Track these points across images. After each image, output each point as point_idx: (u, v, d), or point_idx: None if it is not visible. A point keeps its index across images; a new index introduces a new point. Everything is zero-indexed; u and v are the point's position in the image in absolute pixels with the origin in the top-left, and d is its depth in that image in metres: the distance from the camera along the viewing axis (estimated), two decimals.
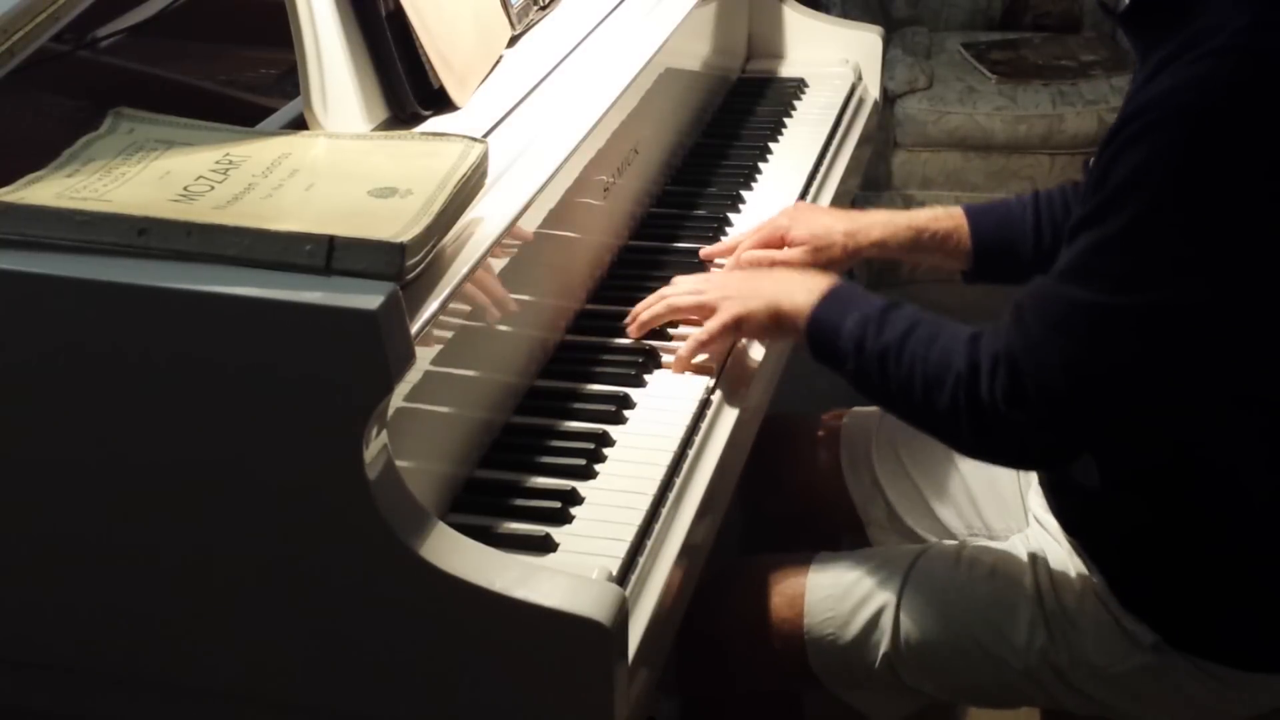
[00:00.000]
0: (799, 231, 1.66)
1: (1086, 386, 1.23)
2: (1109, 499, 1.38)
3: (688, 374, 1.48)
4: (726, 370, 1.51)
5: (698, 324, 1.50)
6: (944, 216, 1.66)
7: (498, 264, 1.33)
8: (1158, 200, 1.17)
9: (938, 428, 1.35)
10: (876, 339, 1.34)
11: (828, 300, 1.41)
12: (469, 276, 1.21)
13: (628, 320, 1.54)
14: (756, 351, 1.57)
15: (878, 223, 1.66)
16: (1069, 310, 1.23)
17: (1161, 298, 1.19)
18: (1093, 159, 1.31)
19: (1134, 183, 1.18)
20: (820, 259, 1.63)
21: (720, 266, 1.69)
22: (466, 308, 1.29)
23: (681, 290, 1.53)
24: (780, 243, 1.68)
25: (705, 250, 1.71)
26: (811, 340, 1.42)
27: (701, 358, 1.49)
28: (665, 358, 1.51)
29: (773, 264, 1.64)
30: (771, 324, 1.46)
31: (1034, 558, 1.47)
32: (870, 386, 1.38)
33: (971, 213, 1.67)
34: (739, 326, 1.48)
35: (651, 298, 1.55)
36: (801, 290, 1.44)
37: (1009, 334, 1.26)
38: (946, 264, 1.69)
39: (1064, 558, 1.45)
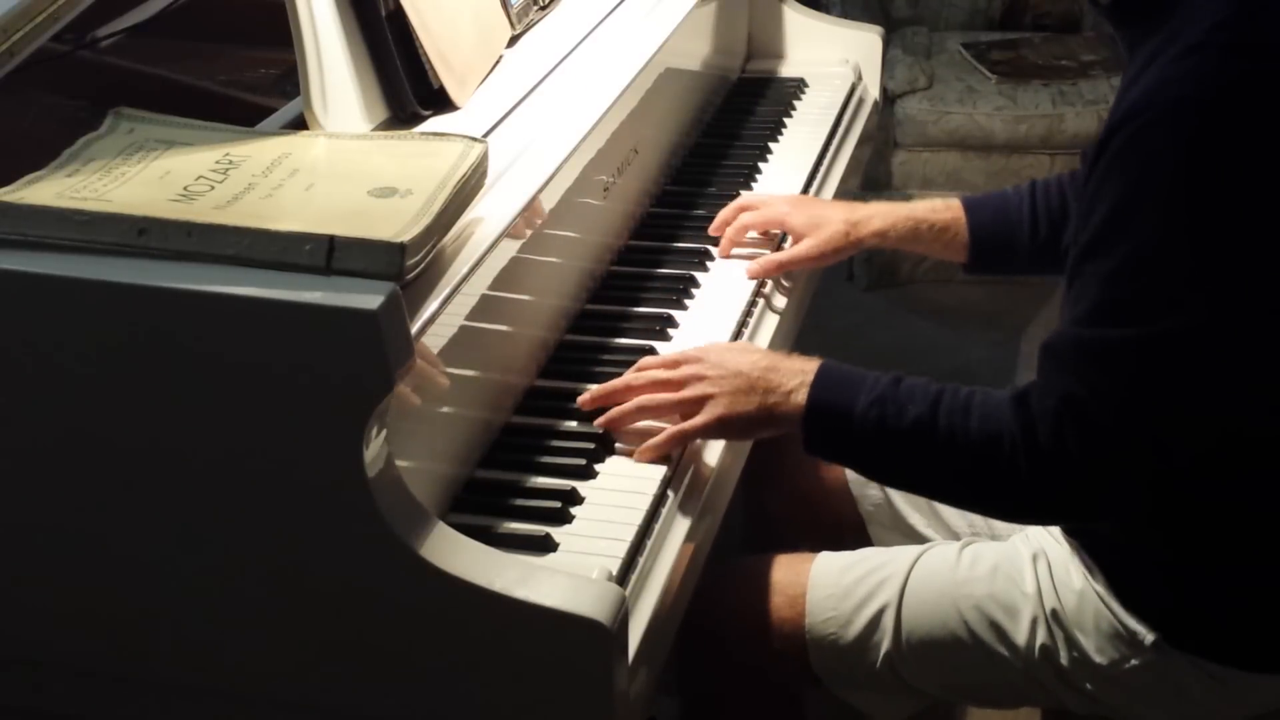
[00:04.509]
0: (799, 219, 1.67)
1: (1149, 423, 1.19)
2: None
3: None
4: None
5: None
6: (942, 208, 1.68)
7: (500, 263, 1.33)
8: (1161, 214, 1.14)
9: (988, 497, 1.30)
10: (900, 417, 1.27)
11: (823, 386, 1.32)
12: (469, 276, 1.21)
13: (584, 399, 1.40)
14: None
15: (878, 213, 1.67)
16: (1110, 353, 1.19)
17: (1197, 315, 1.15)
18: (1088, 163, 1.29)
19: (1131, 200, 1.15)
20: (825, 247, 1.65)
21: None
22: (466, 308, 1.29)
23: (650, 381, 1.38)
24: (779, 226, 1.71)
25: (713, 227, 1.73)
26: (812, 432, 1.32)
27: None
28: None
29: (779, 265, 1.65)
30: (763, 422, 1.34)
31: (1035, 557, 1.46)
32: (895, 469, 1.32)
33: (969, 204, 1.68)
34: (724, 427, 1.35)
35: (617, 384, 1.39)
36: (791, 381, 1.33)
37: (1061, 383, 1.21)
38: (945, 255, 1.69)
39: (1064, 557, 1.45)
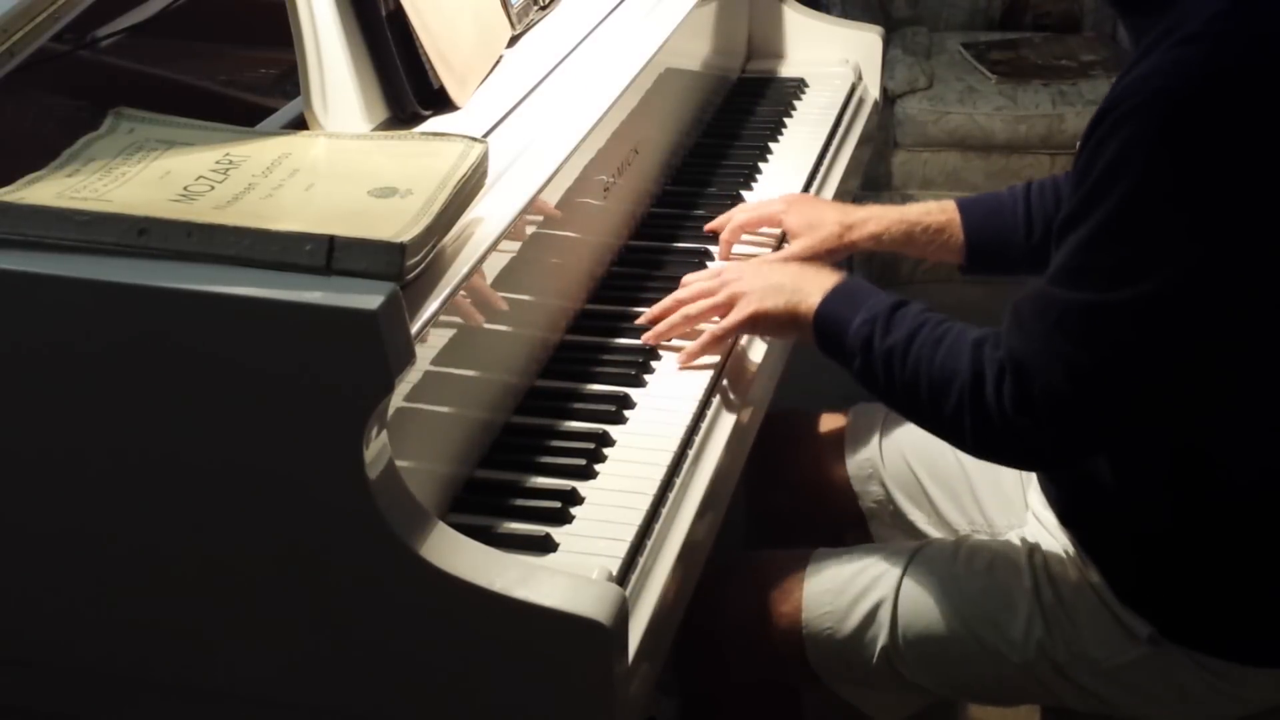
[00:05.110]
0: (794, 219, 1.68)
1: (1091, 387, 1.22)
2: (1107, 490, 1.37)
3: (688, 373, 1.48)
4: (727, 368, 1.51)
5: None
6: (936, 210, 1.68)
7: (500, 263, 1.33)
8: (1137, 190, 1.16)
9: (942, 430, 1.35)
10: (883, 338, 1.34)
11: (836, 295, 1.41)
12: (469, 276, 1.21)
13: (642, 321, 1.54)
14: (757, 350, 1.58)
15: (872, 216, 1.68)
16: (1063, 312, 1.22)
17: (1151, 289, 1.17)
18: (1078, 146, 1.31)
19: (1112, 175, 1.17)
20: (818, 247, 1.66)
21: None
22: (466, 308, 1.29)
23: (694, 293, 1.52)
24: (773, 223, 1.72)
25: (710, 225, 1.75)
26: (819, 334, 1.42)
27: (707, 360, 1.49)
28: (666, 356, 1.51)
29: (781, 258, 1.65)
30: (788, 321, 1.45)
31: (1031, 552, 1.47)
32: (875, 385, 1.38)
33: (964, 206, 1.68)
34: (755, 323, 1.47)
35: (667, 302, 1.53)
36: (814, 286, 1.43)
37: (1010, 340, 1.26)
38: (942, 257, 1.70)
39: (1060, 551, 1.45)
